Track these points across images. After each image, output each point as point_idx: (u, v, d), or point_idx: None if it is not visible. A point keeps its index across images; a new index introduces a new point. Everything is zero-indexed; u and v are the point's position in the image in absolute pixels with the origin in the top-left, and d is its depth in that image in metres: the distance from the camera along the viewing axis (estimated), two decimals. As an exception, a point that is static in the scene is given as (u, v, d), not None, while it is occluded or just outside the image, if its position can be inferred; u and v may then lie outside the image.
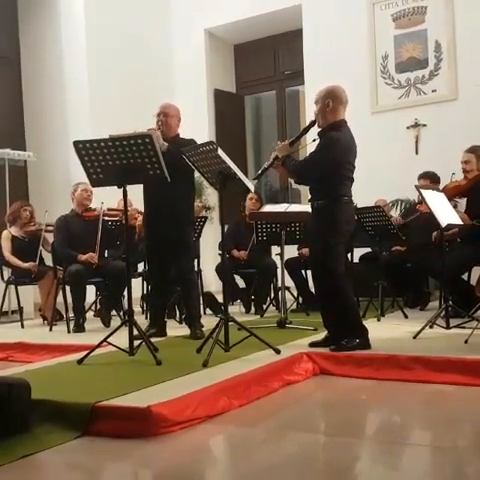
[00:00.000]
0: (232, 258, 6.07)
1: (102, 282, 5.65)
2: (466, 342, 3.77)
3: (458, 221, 4.53)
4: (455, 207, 5.04)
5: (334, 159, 3.79)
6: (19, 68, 8.27)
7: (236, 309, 6.11)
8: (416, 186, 4.69)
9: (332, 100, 3.83)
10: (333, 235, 3.82)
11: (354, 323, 3.84)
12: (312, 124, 3.93)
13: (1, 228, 6.29)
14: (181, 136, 4.68)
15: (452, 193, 5.09)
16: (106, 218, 5.60)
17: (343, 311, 3.83)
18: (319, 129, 3.94)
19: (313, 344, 3.93)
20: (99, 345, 3.70)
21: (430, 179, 5.80)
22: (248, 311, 6.19)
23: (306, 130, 3.99)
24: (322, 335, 4.03)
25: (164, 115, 4.57)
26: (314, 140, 3.91)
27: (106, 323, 5.40)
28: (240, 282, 6.52)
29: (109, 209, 5.60)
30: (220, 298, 4.97)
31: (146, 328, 4.47)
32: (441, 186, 5.56)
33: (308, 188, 4.06)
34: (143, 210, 4.88)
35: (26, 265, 5.89)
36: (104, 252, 5.63)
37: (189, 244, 4.65)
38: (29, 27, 8.24)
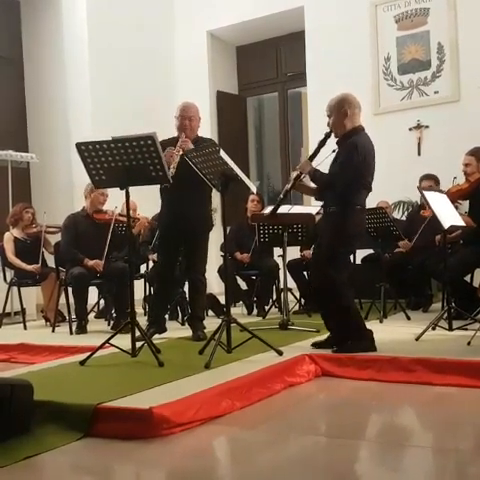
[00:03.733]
0: (234, 260, 6.07)
1: (104, 284, 5.65)
2: (469, 344, 3.76)
3: (461, 223, 4.53)
4: (456, 209, 5.02)
5: (360, 163, 3.76)
6: (22, 69, 8.28)
7: (238, 311, 6.11)
8: (419, 188, 4.69)
9: (348, 107, 3.83)
10: (339, 243, 3.81)
11: (356, 327, 3.83)
12: (328, 136, 3.90)
13: (4, 230, 6.30)
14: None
15: (455, 197, 5.08)
16: (116, 224, 5.55)
17: (343, 316, 3.82)
18: (335, 139, 3.91)
19: (316, 344, 3.93)
20: (101, 346, 3.70)
21: (432, 180, 5.79)
22: (250, 313, 6.19)
23: (323, 143, 3.90)
24: (325, 336, 4.02)
25: (189, 119, 4.50)
26: (334, 151, 3.88)
27: (112, 325, 5.37)
28: (242, 284, 6.52)
29: (120, 214, 5.52)
30: (222, 300, 4.97)
31: (146, 327, 4.47)
32: (442, 188, 5.56)
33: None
34: (159, 213, 4.84)
35: (30, 267, 5.89)
36: (109, 256, 5.57)
37: (207, 249, 4.69)
38: (32, 29, 8.25)
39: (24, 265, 5.93)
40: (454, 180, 5.37)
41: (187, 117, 4.51)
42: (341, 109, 3.83)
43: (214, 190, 4.21)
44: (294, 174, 4.00)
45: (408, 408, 3.09)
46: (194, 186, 4.23)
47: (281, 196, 4.12)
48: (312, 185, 4.00)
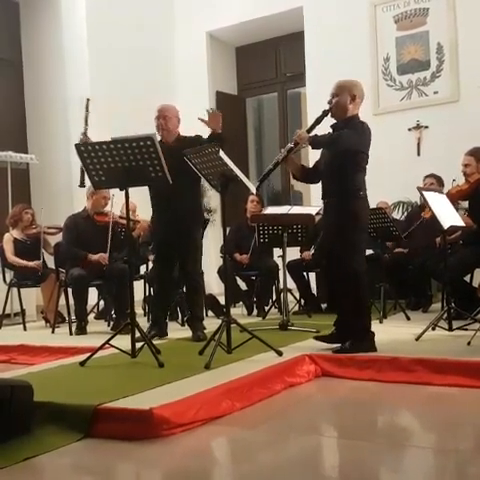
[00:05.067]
0: (234, 261, 6.07)
1: (103, 285, 5.65)
2: (469, 344, 3.76)
3: (460, 223, 4.53)
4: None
5: (363, 139, 3.75)
6: (21, 71, 8.28)
7: (238, 311, 6.11)
8: (418, 188, 4.68)
9: (358, 94, 3.83)
10: (356, 232, 3.78)
11: (362, 327, 3.83)
12: (326, 114, 3.85)
13: (3, 231, 6.30)
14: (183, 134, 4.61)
15: (455, 198, 5.07)
16: (116, 224, 5.54)
17: (358, 312, 3.80)
18: (330, 122, 3.89)
19: (318, 338, 3.94)
20: (101, 347, 3.70)
21: (436, 180, 5.80)
22: (250, 313, 6.19)
23: (319, 120, 3.86)
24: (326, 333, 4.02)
25: (163, 118, 4.51)
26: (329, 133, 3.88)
27: (112, 326, 5.37)
28: (242, 284, 6.52)
29: (121, 216, 5.52)
30: (222, 300, 4.97)
31: (147, 329, 4.47)
32: (443, 189, 5.56)
33: (321, 184, 3.98)
34: (152, 217, 4.85)
35: (32, 263, 5.90)
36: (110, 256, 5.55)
37: (197, 247, 4.66)
38: (31, 30, 8.25)
39: (25, 262, 5.94)
40: (453, 182, 5.36)
41: (162, 116, 4.51)
42: (351, 93, 3.81)
43: (213, 190, 4.20)
44: (288, 146, 3.93)
45: (408, 408, 3.09)
46: (181, 185, 4.16)
47: (271, 166, 4.00)
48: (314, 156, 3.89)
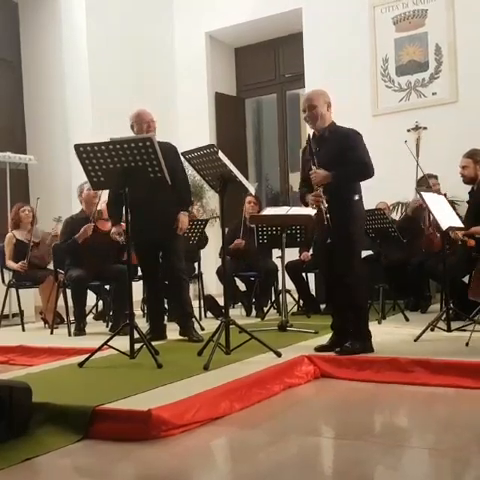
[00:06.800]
0: (233, 257, 6.02)
1: (102, 286, 5.64)
2: (467, 345, 3.77)
3: (459, 224, 4.53)
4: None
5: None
6: (20, 71, 8.29)
7: (237, 312, 6.11)
8: (417, 189, 4.69)
9: (329, 101, 3.88)
10: (353, 234, 3.80)
11: (364, 326, 3.83)
12: (309, 141, 3.88)
13: (3, 232, 6.30)
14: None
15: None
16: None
17: (357, 313, 3.81)
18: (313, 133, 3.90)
19: (319, 350, 3.89)
20: (100, 348, 3.71)
21: (435, 179, 5.81)
22: (249, 314, 6.19)
23: (312, 149, 3.86)
24: (326, 338, 4.02)
25: (153, 121, 4.50)
26: (318, 149, 3.87)
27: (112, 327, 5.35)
28: (241, 285, 6.52)
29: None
30: (221, 301, 4.98)
31: (147, 331, 4.47)
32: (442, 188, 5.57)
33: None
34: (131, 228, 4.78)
35: (17, 266, 5.86)
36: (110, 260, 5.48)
37: (178, 242, 4.60)
38: (30, 31, 8.26)
39: (13, 264, 5.93)
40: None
41: (152, 120, 4.50)
42: (325, 100, 3.86)
43: (211, 191, 4.19)
44: (319, 190, 3.79)
45: (406, 409, 3.10)
46: (158, 186, 4.07)
47: (326, 223, 3.78)
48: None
